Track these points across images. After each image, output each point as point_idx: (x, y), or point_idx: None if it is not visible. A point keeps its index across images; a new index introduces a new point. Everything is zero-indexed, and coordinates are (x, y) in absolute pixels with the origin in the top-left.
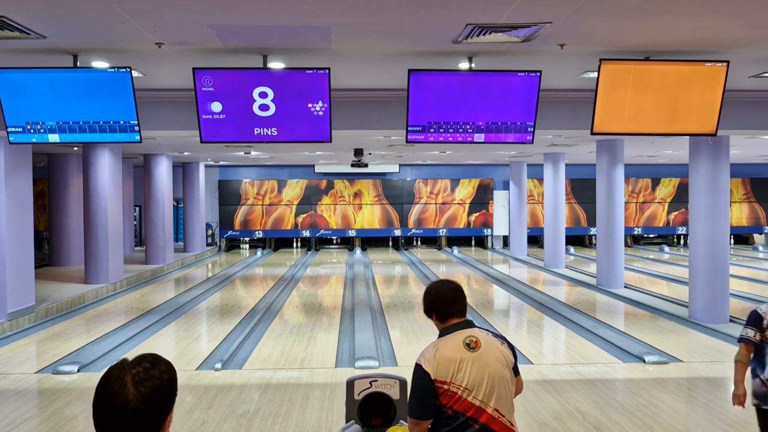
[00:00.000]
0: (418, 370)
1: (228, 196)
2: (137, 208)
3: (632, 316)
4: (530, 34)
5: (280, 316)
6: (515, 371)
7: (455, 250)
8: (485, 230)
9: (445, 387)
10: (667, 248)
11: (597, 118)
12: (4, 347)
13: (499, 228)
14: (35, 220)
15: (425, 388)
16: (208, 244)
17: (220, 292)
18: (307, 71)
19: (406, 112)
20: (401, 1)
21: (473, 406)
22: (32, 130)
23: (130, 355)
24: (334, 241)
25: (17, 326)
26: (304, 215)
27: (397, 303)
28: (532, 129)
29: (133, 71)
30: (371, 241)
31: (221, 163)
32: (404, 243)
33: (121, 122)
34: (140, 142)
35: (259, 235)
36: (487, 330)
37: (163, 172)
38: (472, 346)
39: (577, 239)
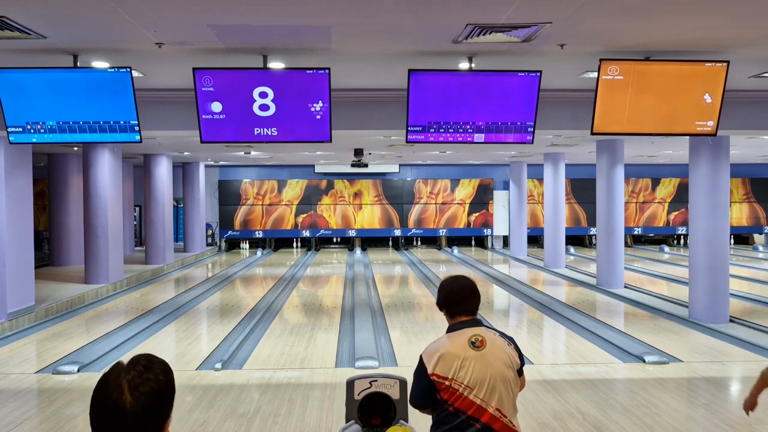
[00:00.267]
0: (420, 362)
1: (228, 196)
2: (137, 208)
3: (632, 316)
4: (530, 34)
5: (280, 316)
6: (520, 372)
7: (455, 250)
8: (485, 230)
9: (447, 383)
10: (667, 248)
11: (597, 118)
12: (4, 347)
13: (499, 228)
14: (35, 220)
15: (422, 380)
16: (208, 244)
17: (220, 292)
18: (307, 71)
19: (406, 112)
20: (401, 1)
21: (474, 405)
22: (32, 130)
23: (130, 355)
24: (334, 241)
25: (17, 326)
26: (304, 215)
27: (397, 303)
28: (532, 129)
29: (133, 71)
30: (371, 241)
31: (221, 163)
32: (404, 243)
33: (121, 122)
34: (140, 142)
35: (259, 235)
36: (495, 330)
37: (163, 172)
38: (477, 345)
39: (577, 239)
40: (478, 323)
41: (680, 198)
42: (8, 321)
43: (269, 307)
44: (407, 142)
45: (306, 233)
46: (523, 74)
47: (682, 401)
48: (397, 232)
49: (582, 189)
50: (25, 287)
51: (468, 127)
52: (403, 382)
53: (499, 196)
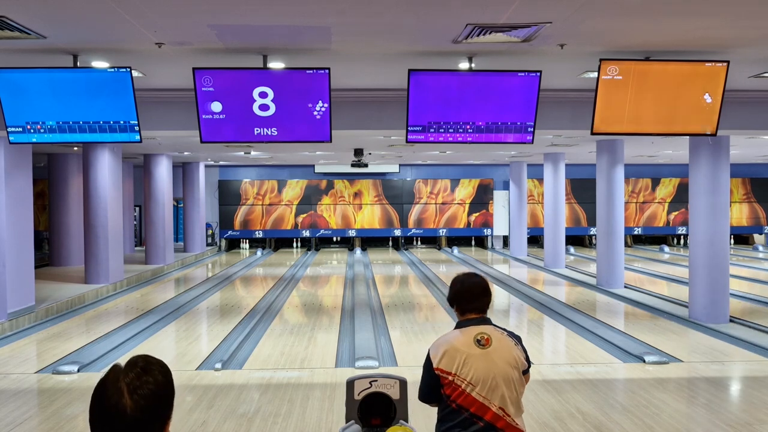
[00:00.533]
0: (427, 356)
1: (228, 196)
2: (137, 208)
3: (632, 316)
4: (530, 34)
5: (280, 316)
6: (525, 372)
7: (455, 250)
8: (485, 230)
9: (450, 378)
10: (667, 248)
11: (597, 118)
12: (4, 347)
13: (499, 228)
14: (35, 220)
15: (429, 374)
16: (208, 244)
17: (220, 292)
18: (307, 71)
19: (406, 112)
20: (401, 1)
21: (477, 402)
22: (32, 130)
23: (130, 355)
24: (334, 241)
25: (17, 326)
26: (304, 215)
27: (397, 303)
28: (532, 129)
29: (133, 71)
30: (371, 241)
31: (221, 163)
32: (404, 243)
33: (121, 122)
34: (140, 142)
35: (259, 235)
36: (503, 329)
37: (163, 172)
38: (482, 343)
39: (577, 239)
40: (487, 321)
41: (680, 198)
42: (8, 321)
43: (269, 307)
44: (407, 142)
45: (306, 233)
46: (523, 74)
47: (682, 401)
48: (397, 232)
49: (582, 189)
50: (25, 287)
51: (468, 127)
52: (403, 382)
53: (499, 196)
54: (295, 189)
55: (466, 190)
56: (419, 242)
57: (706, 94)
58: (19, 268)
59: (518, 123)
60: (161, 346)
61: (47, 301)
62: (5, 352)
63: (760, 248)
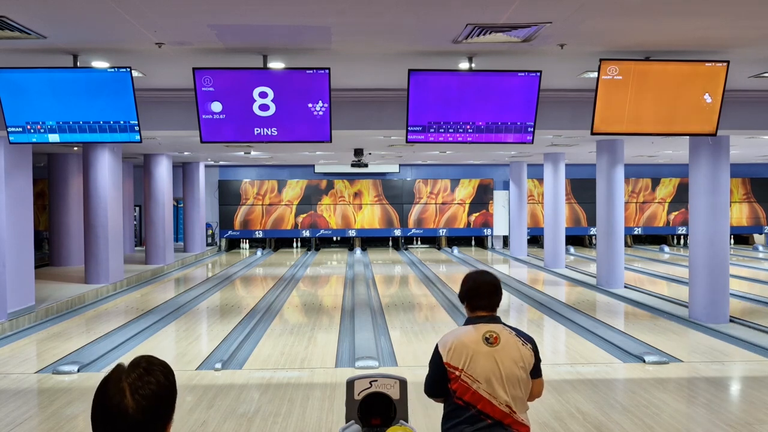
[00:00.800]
0: (435, 350)
1: (228, 196)
2: (137, 208)
3: (632, 316)
4: (530, 34)
5: (280, 316)
6: (534, 374)
7: (455, 250)
8: (485, 230)
9: (457, 373)
10: (667, 248)
11: (597, 118)
12: (4, 347)
13: (499, 228)
14: (35, 220)
15: (436, 368)
16: (208, 244)
17: (220, 292)
18: (307, 71)
19: (406, 112)
20: (401, 1)
21: (484, 399)
22: (32, 130)
23: (130, 355)
24: (334, 241)
25: (17, 326)
26: (304, 215)
27: (397, 303)
28: (532, 129)
29: (133, 71)
30: (371, 241)
31: (221, 163)
32: (404, 243)
33: (121, 122)
34: (140, 142)
35: (259, 235)
36: (512, 329)
37: (163, 172)
38: (490, 341)
39: (577, 239)
40: (496, 320)
41: (680, 198)
42: (8, 321)
43: (269, 307)
44: (407, 142)
45: (306, 233)
46: (523, 74)
47: (682, 401)
48: (397, 232)
49: (582, 189)
50: (25, 287)
51: (468, 127)
52: (403, 382)
53: (499, 196)
54: (295, 189)
55: (466, 190)
56: (419, 242)
57: (706, 94)
58: (19, 268)
59: (518, 123)
60: (161, 346)
61: (47, 301)
62: (5, 352)
63: (760, 248)
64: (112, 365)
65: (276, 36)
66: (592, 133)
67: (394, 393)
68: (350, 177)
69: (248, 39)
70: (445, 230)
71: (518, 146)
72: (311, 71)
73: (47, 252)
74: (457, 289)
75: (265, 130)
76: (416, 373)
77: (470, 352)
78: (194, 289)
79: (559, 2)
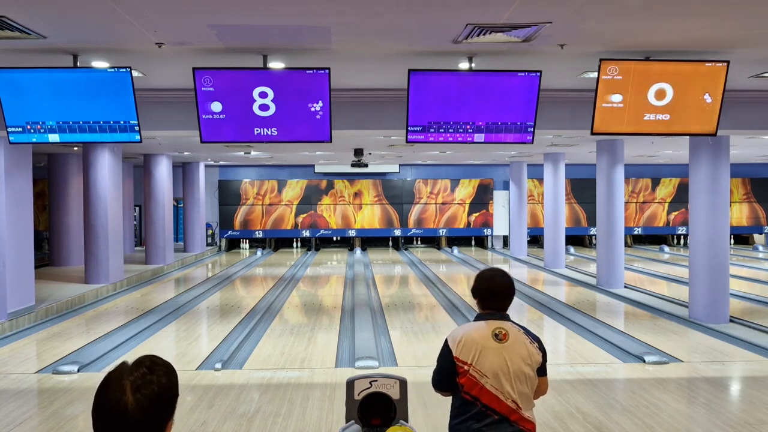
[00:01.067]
0: (444, 344)
1: (228, 196)
2: (137, 208)
3: (632, 316)
4: (530, 34)
5: (280, 316)
6: (540, 372)
7: (455, 250)
8: (485, 230)
9: (466, 368)
10: (667, 248)
11: (597, 118)
12: (4, 347)
13: (499, 228)
14: (35, 220)
15: (445, 361)
16: (208, 244)
17: (220, 292)
18: (307, 71)
19: (406, 112)
20: (401, 1)
21: (491, 395)
22: (32, 130)
23: (130, 355)
24: (334, 241)
25: (17, 326)
26: (304, 215)
27: (397, 303)
28: (532, 129)
29: (133, 71)
30: (371, 241)
31: (221, 163)
32: (404, 243)
33: (121, 122)
34: (140, 142)
35: (259, 235)
36: (521, 327)
37: (163, 172)
38: (500, 337)
39: (577, 239)
40: (506, 317)
41: (680, 198)
42: (8, 321)
43: (269, 307)
44: (407, 142)
45: (306, 233)
46: (523, 74)
47: (682, 401)
48: (397, 232)
49: (582, 189)
50: (25, 287)
51: (468, 127)
52: (403, 382)
53: (499, 196)
54: (295, 189)
55: (466, 190)
56: (419, 242)
57: (706, 94)
58: (19, 268)
59: (518, 123)
60: (161, 346)
61: (47, 301)
62: (5, 352)
63: (760, 248)
64: (113, 365)
65: (276, 36)
66: (592, 133)
67: (394, 393)
68: (350, 177)
69: (248, 39)
70: (445, 230)
71: (518, 146)
72: (311, 71)
73: (47, 252)
74: (456, 289)
75: (265, 130)
76: (416, 373)
77: (479, 348)
78: (194, 289)
79: (559, 2)
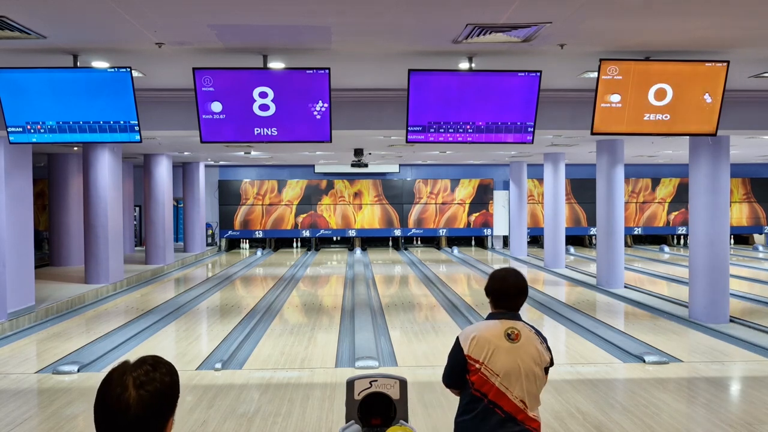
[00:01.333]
0: (456, 342)
1: (228, 196)
2: (137, 208)
3: (632, 316)
4: (530, 34)
5: (280, 316)
6: (546, 370)
7: (455, 250)
8: (485, 230)
9: (477, 366)
10: (667, 248)
11: (597, 118)
12: (4, 347)
13: (499, 228)
14: (35, 220)
15: (456, 358)
16: (208, 244)
17: (220, 292)
18: (307, 71)
19: (406, 112)
20: (401, 1)
21: (500, 393)
22: (32, 130)
23: (130, 355)
24: (334, 241)
25: (17, 326)
26: (304, 215)
27: (397, 303)
28: (532, 129)
29: (133, 71)
30: (371, 241)
31: (221, 163)
32: (404, 243)
33: (121, 122)
34: (140, 142)
35: (259, 235)
36: (531, 326)
37: (163, 172)
38: (512, 337)
39: (577, 239)
40: (518, 317)
41: (680, 198)
42: (8, 321)
43: (269, 307)
44: (407, 142)
45: (306, 233)
46: (523, 74)
47: (682, 401)
48: (397, 232)
49: (582, 189)
50: (25, 287)
51: (468, 127)
52: (403, 382)
53: (499, 196)
54: (295, 189)
55: (466, 190)
56: (419, 242)
57: (706, 94)
58: (19, 268)
59: (518, 123)
60: (161, 346)
61: (47, 301)
62: (5, 352)
63: (760, 248)
64: (113, 365)
65: (276, 36)
66: (592, 133)
67: (394, 393)
68: (350, 177)
69: (248, 39)
70: (445, 230)
71: (518, 146)
72: (311, 71)
73: (47, 252)
74: (456, 289)
75: (265, 130)
76: (416, 373)
77: (492, 347)
78: (194, 289)
79: (559, 2)
